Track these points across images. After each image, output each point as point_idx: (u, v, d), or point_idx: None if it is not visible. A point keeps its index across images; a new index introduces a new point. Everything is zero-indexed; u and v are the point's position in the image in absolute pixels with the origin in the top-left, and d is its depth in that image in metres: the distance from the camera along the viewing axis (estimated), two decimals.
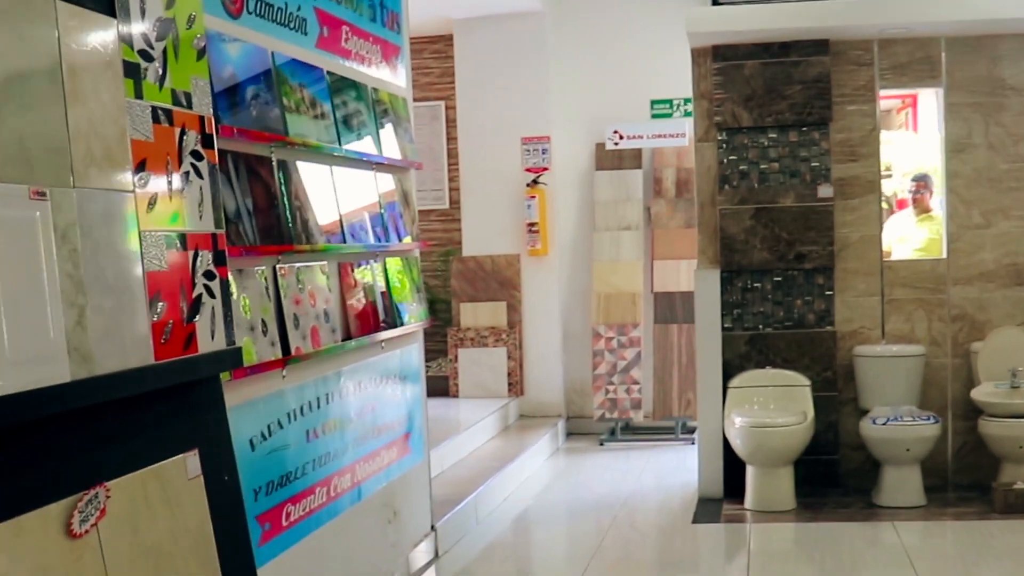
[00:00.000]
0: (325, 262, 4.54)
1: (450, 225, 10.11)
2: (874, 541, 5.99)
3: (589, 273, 9.20)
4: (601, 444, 8.87)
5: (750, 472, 6.62)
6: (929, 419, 6.49)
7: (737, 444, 6.55)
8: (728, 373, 6.99)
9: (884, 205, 9.32)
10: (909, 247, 8.41)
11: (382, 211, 5.16)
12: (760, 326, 7.04)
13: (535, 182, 9.19)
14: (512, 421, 9.02)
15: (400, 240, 5.37)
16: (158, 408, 3.09)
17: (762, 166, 7.04)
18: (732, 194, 7.04)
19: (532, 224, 9.11)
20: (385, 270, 5.23)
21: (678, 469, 7.74)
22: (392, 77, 5.47)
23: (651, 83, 9.16)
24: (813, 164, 6.99)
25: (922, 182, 8.52)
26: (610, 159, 9.26)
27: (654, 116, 9.25)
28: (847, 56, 6.95)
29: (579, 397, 9.33)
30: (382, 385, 5.15)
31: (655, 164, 9.23)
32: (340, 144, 4.70)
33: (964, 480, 6.88)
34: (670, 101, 9.17)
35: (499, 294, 9.30)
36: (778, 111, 6.97)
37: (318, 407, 4.45)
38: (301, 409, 4.30)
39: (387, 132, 5.29)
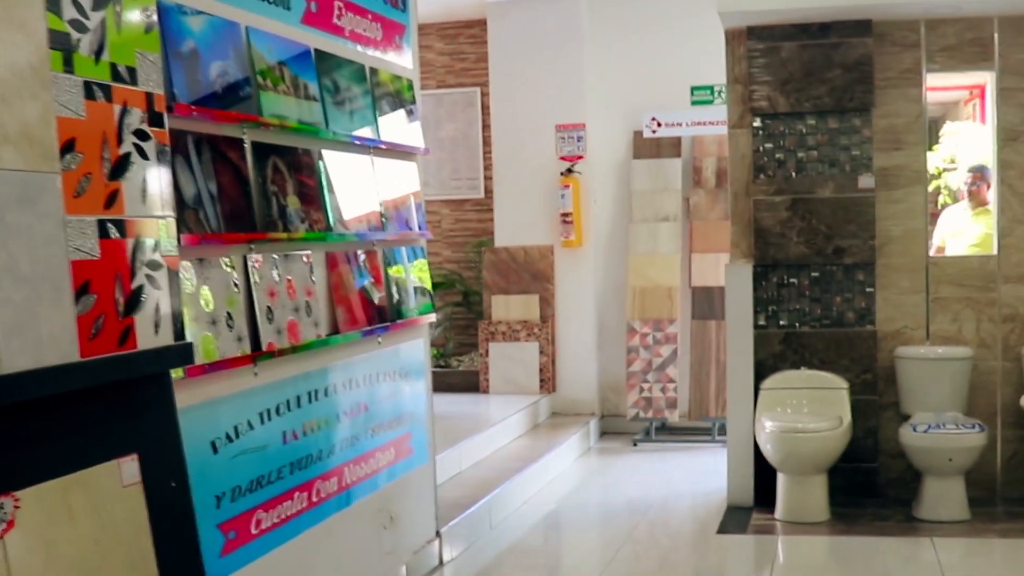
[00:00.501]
0: (309, 252, 4.27)
1: (485, 215, 9.82)
2: (910, 559, 5.61)
3: (625, 266, 8.87)
4: (634, 445, 8.55)
5: (781, 480, 6.27)
6: (974, 427, 6.09)
7: (767, 449, 6.20)
8: (760, 373, 6.64)
9: (948, 199, 8.96)
10: (964, 242, 8.02)
11: (380, 198, 4.88)
12: (796, 324, 6.68)
13: (569, 171, 8.87)
14: (543, 419, 8.72)
15: (402, 229, 5.09)
16: (89, 409, 2.84)
17: (799, 154, 6.67)
18: (767, 184, 6.68)
19: (566, 214, 8.80)
20: (385, 260, 4.96)
21: (711, 473, 7.39)
22: (395, 58, 5.19)
23: (691, 69, 8.79)
24: (854, 153, 6.61)
25: (979, 173, 8.12)
26: (648, 148, 8.92)
27: (694, 103, 8.89)
28: (891, 37, 6.55)
29: (614, 395, 9.01)
30: (378, 383, 4.88)
31: (695, 153, 8.87)
32: (329, 126, 4.43)
33: (1014, 494, 6.47)
34: (711, 88, 8.80)
35: (532, 287, 9.00)
36: (817, 96, 6.59)
37: (298, 406, 4.18)
38: (277, 408, 4.04)
39: (388, 115, 5.01)
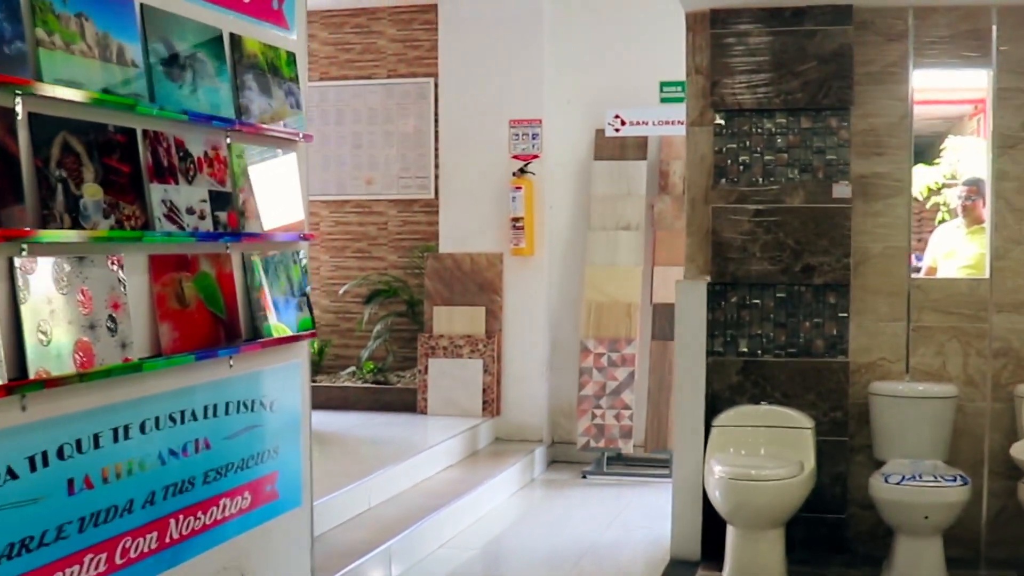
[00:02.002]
0: (121, 255, 3.44)
1: (435, 217, 8.95)
2: None
3: (580, 278, 8.04)
4: (584, 477, 7.71)
5: (731, 534, 5.41)
6: (956, 480, 5.24)
7: (715, 498, 5.35)
8: (714, 407, 5.80)
9: (947, 216, 8.14)
10: (956, 263, 7.21)
11: (235, 190, 4.05)
12: (757, 352, 5.85)
13: (522, 171, 8.04)
14: (483, 445, 7.88)
15: (271, 229, 4.26)
16: None
17: (767, 157, 5.84)
18: (729, 190, 5.85)
19: (517, 219, 7.97)
20: (245, 267, 4.13)
21: (662, 515, 6.51)
22: (270, 26, 4.36)
23: (661, 62, 7.91)
24: (828, 157, 5.77)
25: (974, 187, 7.33)
26: (610, 148, 8.09)
27: (663, 100, 8.06)
28: (875, 26, 5.71)
29: (565, 420, 8.17)
30: (226, 415, 4.04)
31: (662, 155, 8.05)
32: (156, 100, 3.60)
33: (1000, 554, 5.62)
34: (682, 84, 7.85)
35: (477, 298, 8.17)
36: (788, 91, 5.76)
37: (96, 447, 3.34)
38: (60, 451, 3.20)
39: (255, 93, 4.18)
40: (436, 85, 8.97)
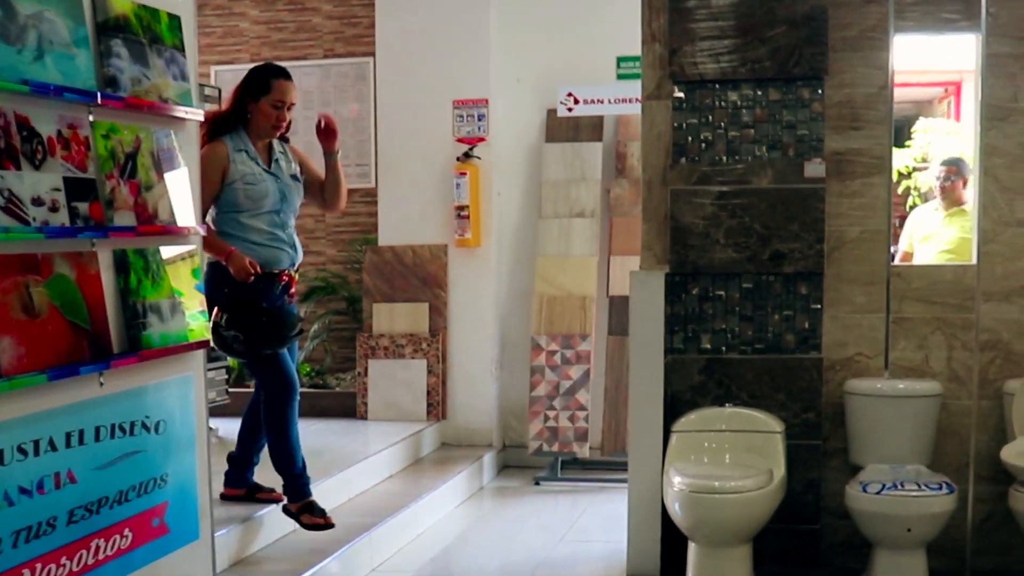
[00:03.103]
0: None
1: (376, 208, 8.33)
2: None
3: (532, 270, 7.42)
4: (537, 484, 7.11)
5: (692, 551, 4.83)
6: (940, 488, 4.68)
7: (675, 511, 4.76)
8: (675, 410, 5.22)
9: (918, 201, 7.67)
10: (934, 248, 6.72)
11: (101, 177, 3.41)
12: (721, 348, 5.26)
13: (467, 155, 7.42)
14: (427, 452, 7.26)
15: (150, 222, 3.63)
16: None
17: (731, 133, 5.25)
18: (689, 170, 5.25)
19: (462, 208, 7.34)
20: (117, 264, 3.49)
21: (620, 524, 5.86)
22: None
23: (618, 36, 7.27)
24: (800, 132, 5.19)
25: (953, 167, 6.86)
26: (563, 129, 7.48)
27: (620, 77, 7.44)
28: None
29: (517, 423, 7.56)
30: (96, 442, 3.41)
31: (619, 136, 7.44)
32: None
33: (986, 564, 5.08)
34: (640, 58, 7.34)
35: (421, 294, 7.54)
36: (755, 59, 5.16)
37: None
38: None
39: (126, 61, 3.53)
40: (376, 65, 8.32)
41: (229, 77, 8.71)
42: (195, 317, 3.93)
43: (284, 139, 5.30)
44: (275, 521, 5.23)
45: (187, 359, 3.92)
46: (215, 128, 4.97)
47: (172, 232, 3.79)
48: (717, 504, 4.61)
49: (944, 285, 5.16)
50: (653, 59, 5.38)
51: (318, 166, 5.44)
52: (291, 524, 5.32)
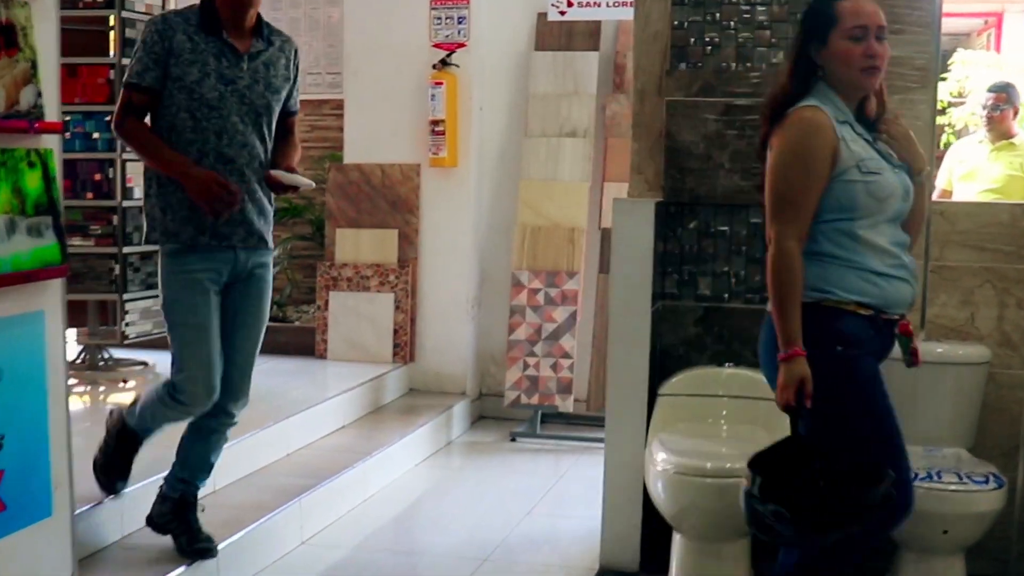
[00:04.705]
0: None
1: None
2: None
3: (515, 195, 6.43)
4: (512, 439, 6.19)
5: (677, 543, 3.90)
6: (987, 481, 3.73)
7: (658, 495, 3.83)
8: (664, 369, 4.27)
9: (952, 138, 6.80)
10: (977, 186, 5.76)
11: None
12: (723, 296, 4.30)
13: (444, 63, 6.40)
14: (391, 398, 6.33)
15: None
16: None
17: (742, 35, 4.25)
18: (690, 78, 4.26)
19: (437, 122, 6.34)
20: None
21: (598, 497, 4.97)
22: None
23: None
24: None
25: (1003, 94, 5.88)
26: (555, 36, 6.44)
27: None
28: None
29: (497, 368, 6.61)
30: None
31: (618, 45, 6.41)
32: None
33: None
34: None
35: (390, 219, 6.56)
36: None
37: None
38: None
39: None
40: None
41: None
42: (45, 237, 2.99)
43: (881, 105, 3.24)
44: (221, 469, 4.32)
45: (33, 292, 2.99)
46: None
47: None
48: (708, 490, 3.67)
49: (997, 228, 4.17)
50: None
51: None
52: (220, 480, 4.46)
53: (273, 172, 3.65)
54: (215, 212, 3.51)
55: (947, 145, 6.66)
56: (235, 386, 3.80)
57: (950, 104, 7.13)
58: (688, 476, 3.68)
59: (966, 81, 7.27)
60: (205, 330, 3.63)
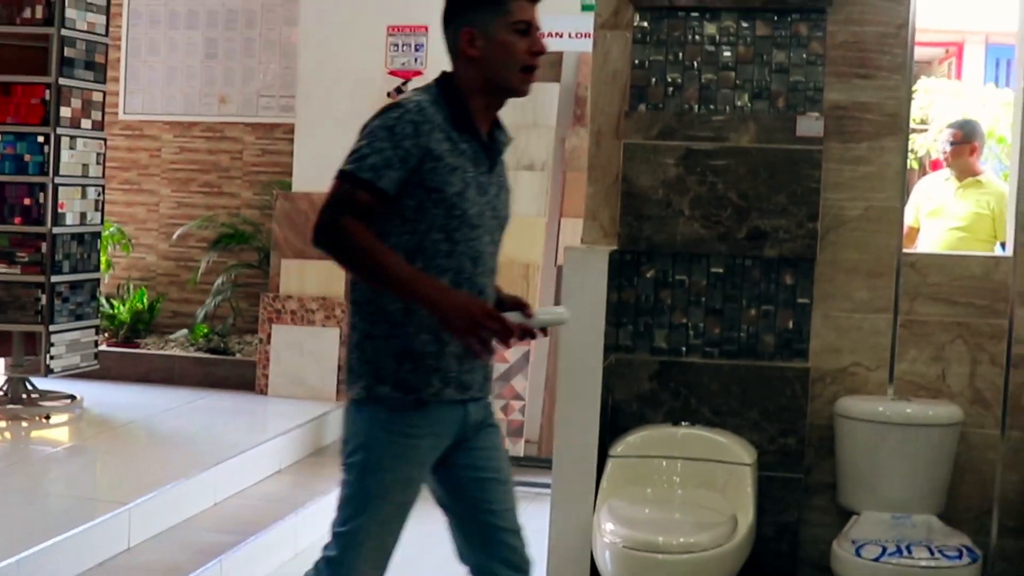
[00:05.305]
0: None
1: None
2: None
3: None
4: None
5: None
6: (960, 556, 3.42)
7: (605, 568, 3.48)
8: (617, 426, 3.93)
9: (914, 165, 6.75)
10: (943, 224, 5.50)
11: None
12: (680, 349, 3.97)
13: (399, 90, 6.06)
14: (334, 439, 5.92)
15: None
16: None
17: (706, 76, 3.95)
18: (650, 120, 3.94)
19: None
20: None
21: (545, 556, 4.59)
22: None
23: None
24: (794, 79, 3.89)
25: (959, 131, 5.71)
26: None
27: (586, 7, 6.08)
28: None
29: None
30: None
31: (580, 78, 6.10)
32: None
33: None
34: None
35: None
36: None
37: None
38: None
39: None
40: None
41: None
42: None
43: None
44: (106, 535, 3.93)
45: None
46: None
47: None
48: (659, 566, 3.32)
49: (969, 281, 3.88)
50: None
51: None
52: (125, 541, 4.04)
53: (527, 321, 2.63)
54: (481, 352, 2.54)
55: (909, 170, 6.46)
56: (524, 555, 2.82)
57: (912, 131, 6.92)
58: (638, 551, 3.33)
59: (929, 108, 7.09)
60: (407, 509, 2.72)
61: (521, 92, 2.76)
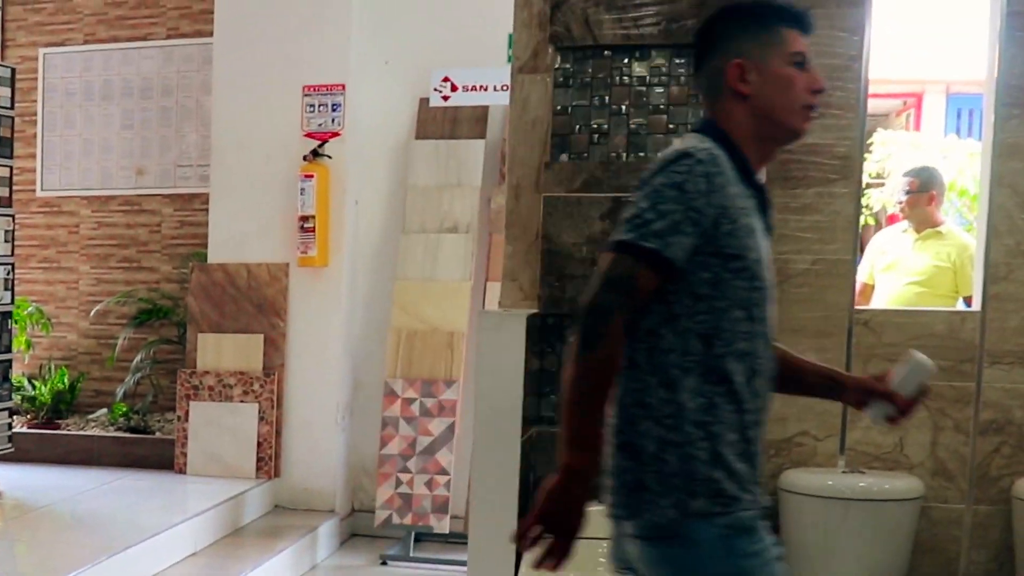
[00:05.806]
0: None
1: None
2: None
3: (391, 297, 5.56)
4: (383, 563, 5.24)
5: None
6: None
7: None
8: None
9: (870, 220, 6.40)
10: (900, 278, 5.03)
11: None
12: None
13: (316, 153, 5.56)
14: (252, 518, 5.35)
15: None
16: None
17: (635, 120, 3.49)
18: (572, 171, 3.47)
19: (306, 218, 5.47)
20: None
21: None
22: None
23: (511, 9, 5.49)
24: None
25: (915, 180, 5.22)
26: (439, 123, 5.64)
27: (512, 59, 5.61)
28: None
29: (370, 481, 5.68)
30: None
31: (506, 134, 5.60)
32: None
33: None
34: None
35: (255, 323, 5.64)
36: (672, 16, 3.43)
37: None
38: None
39: None
40: None
41: (59, 62, 6.82)
42: None
43: None
44: None
45: None
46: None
47: None
48: None
49: (931, 339, 3.41)
50: (529, 17, 3.65)
51: None
52: None
53: (901, 393, 2.27)
54: (556, 561, 2.12)
55: (864, 226, 6.00)
56: None
57: (868, 186, 6.46)
58: None
59: (887, 161, 6.62)
60: None
61: (801, 135, 2.16)
